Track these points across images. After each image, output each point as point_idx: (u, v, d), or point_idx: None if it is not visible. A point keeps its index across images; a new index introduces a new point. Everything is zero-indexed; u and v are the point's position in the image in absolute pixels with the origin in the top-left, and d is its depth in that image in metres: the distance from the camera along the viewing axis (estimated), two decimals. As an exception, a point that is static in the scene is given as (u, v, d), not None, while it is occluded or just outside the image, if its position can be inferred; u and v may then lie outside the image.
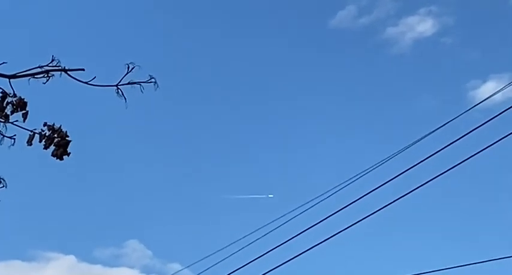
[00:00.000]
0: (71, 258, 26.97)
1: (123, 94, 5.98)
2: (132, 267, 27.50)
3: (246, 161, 29.74)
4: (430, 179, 11.53)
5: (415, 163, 11.69)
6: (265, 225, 12.93)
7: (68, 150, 5.97)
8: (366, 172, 12.43)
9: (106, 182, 28.97)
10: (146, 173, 29.07)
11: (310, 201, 13.10)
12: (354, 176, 12.36)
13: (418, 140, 12.50)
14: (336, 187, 12.50)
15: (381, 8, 30.04)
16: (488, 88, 26.37)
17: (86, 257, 28.22)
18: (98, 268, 26.93)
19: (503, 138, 10.70)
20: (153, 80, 5.95)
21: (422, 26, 29.30)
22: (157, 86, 5.94)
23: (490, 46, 29.83)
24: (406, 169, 11.68)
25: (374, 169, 12.36)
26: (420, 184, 11.53)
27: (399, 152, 12.60)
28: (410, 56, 30.00)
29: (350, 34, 29.87)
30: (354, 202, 11.09)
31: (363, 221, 11.55)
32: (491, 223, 27.59)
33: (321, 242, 10.99)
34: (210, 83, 30.54)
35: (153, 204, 28.44)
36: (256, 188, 28.26)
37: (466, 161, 11.36)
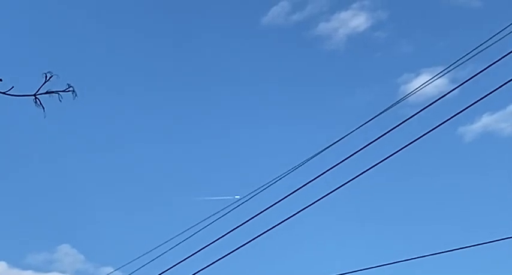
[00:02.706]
0: (2, 264, 26.61)
1: (41, 104, 5.93)
2: (64, 272, 27.34)
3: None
4: (359, 173, 11.67)
5: (345, 157, 11.80)
6: (196, 224, 12.91)
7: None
8: (296, 167, 12.49)
9: (36, 188, 28.73)
10: (79, 177, 28.91)
11: (248, 194, 13.15)
12: (285, 173, 12.41)
13: (347, 135, 12.59)
14: (266, 184, 12.55)
15: (314, 4, 29.98)
16: (420, 82, 26.39)
17: (18, 263, 27.93)
18: (29, 273, 26.67)
19: (427, 133, 10.80)
20: (71, 88, 5.90)
21: (356, 21, 29.36)
22: (76, 95, 5.89)
23: (422, 40, 30.09)
24: (335, 164, 11.78)
25: (302, 165, 12.42)
26: (350, 179, 11.64)
27: (329, 146, 12.69)
28: (344, 51, 30.07)
29: (283, 31, 29.89)
30: (283, 199, 11.15)
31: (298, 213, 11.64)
32: (418, 218, 27.95)
33: (249, 241, 11.03)
34: (142, 83, 30.40)
35: (85, 208, 28.29)
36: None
37: (394, 155, 11.51)
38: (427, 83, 12.91)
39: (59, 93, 5.91)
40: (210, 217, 12.85)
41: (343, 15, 29.79)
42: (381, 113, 12.12)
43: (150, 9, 31.17)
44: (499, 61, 10.58)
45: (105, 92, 29.81)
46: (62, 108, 6.02)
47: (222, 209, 12.86)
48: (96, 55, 30.45)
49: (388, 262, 13.64)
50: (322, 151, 12.92)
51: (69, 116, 27.02)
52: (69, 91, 5.91)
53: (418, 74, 28.36)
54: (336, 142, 12.78)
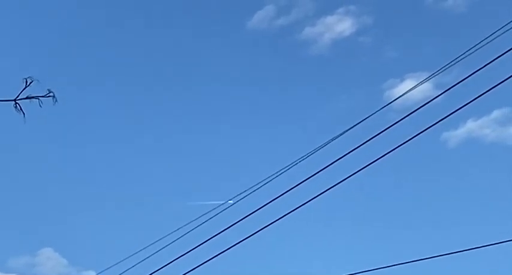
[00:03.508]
0: (-16, 268, 26.38)
1: (21, 109, 5.89)
2: (46, 275, 27.13)
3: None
4: (344, 178, 11.64)
5: (330, 162, 11.78)
6: (179, 228, 12.86)
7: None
8: (279, 172, 12.46)
9: (18, 191, 28.59)
10: (63, 180, 28.77)
11: (231, 199, 13.11)
12: (266, 178, 12.39)
13: (332, 140, 12.57)
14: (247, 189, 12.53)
15: (300, 8, 29.88)
16: (405, 87, 26.41)
17: (0, 267, 27.78)
18: (11, 277, 26.49)
19: (411, 139, 10.80)
20: (51, 94, 5.87)
21: (341, 25, 29.29)
22: (56, 100, 5.86)
23: (408, 45, 30.04)
24: (320, 169, 11.76)
25: (288, 169, 12.39)
26: (334, 184, 11.62)
27: (314, 151, 12.67)
28: (329, 56, 29.96)
29: (268, 35, 29.78)
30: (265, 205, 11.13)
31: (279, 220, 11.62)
32: (400, 223, 27.92)
33: (234, 245, 11.00)
34: (133, 88, 30.24)
35: (69, 212, 28.17)
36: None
37: (378, 161, 11.49)
38: (412, 89, 12.92)
39: (39, 99, 5.88)
40: (193, 221, 12.81)
41: (329, 19, 29.75)
42: (366, 118, 12.12)
43: (134, 11, 31.09)
44: (484, 67, 10.59)
45: (95, 95, 29.73)
46: (44, 112, 5.98)
47: (205, 214, 12.82)
48: (81, 58, 30.34)
49: (371, 268, 13.63)
50: (306, 157, 12.90)
51: (52, 120, 26.92)
52: (49, 96, 5.88)
53: (403, 80, 28.37)
54: (321, 147, 12.77)
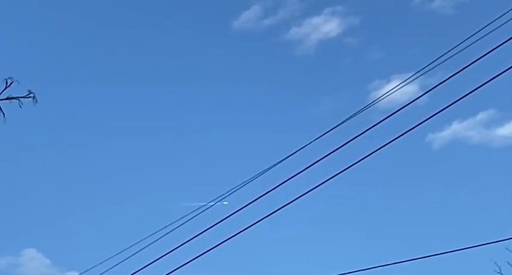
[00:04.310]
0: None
1: (1, 109, 5.81)
2: (28, 276, 27.02)
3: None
4: (327, 179, 11.61)
5: (312, 163, 11.73)
6: (162, 228, 12.80)
7: None
8: (263, 172, 12.42)
9: (3, 190, 28.40)
10: (48, 181, 28.63)
11: (213, 200, 13.06)
12: (253, 177, 12.36)
13: (316, 139, 12.54)
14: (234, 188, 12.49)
15: (286, 9, 29.86)
16: (390, 88, 26.18)
17: (-18, 267, 27.58)
18: (-7, 277, 26.35)
19: (394, 139, 10.77)
20: (32, 95, 5.79)
21: (327, 26, 29.28)
22: (36, 101, 5.78)
23: (394, 46, 30.04)
24: (302, 169, 11.72)
25: (272, 168, 12.36)
26: (317, 185, 11.59)
27: (298, 150, 12.65)
28: (315, 56, 29.96)
29: (254, 35, 29.74)
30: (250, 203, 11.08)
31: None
32: (383, 225, 27.94)
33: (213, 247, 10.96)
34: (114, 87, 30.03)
35: (53, 212, 28.06)
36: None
37: (362, 161, 11.46)
38: (395, 89, 12.90)
39: (19, 100, 5.80)
40: (176, 221, 12.76)
41: (315, 20, 29.73)
42: (348, 119, 12.08)
43: (120, 10, 30.96)
44: (470, 68, 10.57)
45: (86, 95, 29.53)
46: (27, 112, 5.90)
47: (190, 213, 12.77)
48: (68, 57, 30.18)
49: (362, 268, 13.61)
50: (290, 156, 12.88)
51: (41, 117, 26.75)
52: (29, 97, 5.81)
53: (389, 81, 28.42)
54: (306, 145, 12.74)
